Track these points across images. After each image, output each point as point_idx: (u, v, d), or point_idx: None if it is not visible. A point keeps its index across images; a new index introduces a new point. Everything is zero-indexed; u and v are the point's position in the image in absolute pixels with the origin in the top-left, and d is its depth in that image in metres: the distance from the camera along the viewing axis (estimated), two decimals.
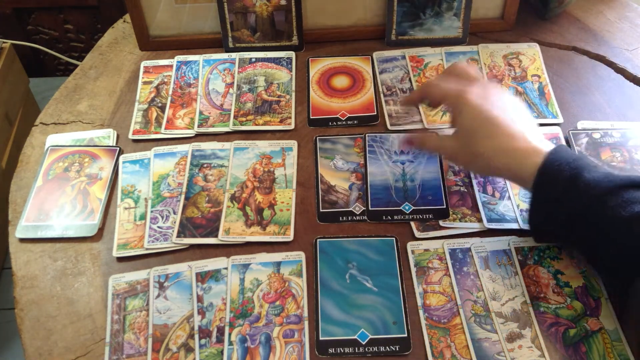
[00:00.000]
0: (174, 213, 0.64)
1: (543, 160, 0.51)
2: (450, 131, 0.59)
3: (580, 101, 0.74)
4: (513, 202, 0.63)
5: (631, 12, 0.88)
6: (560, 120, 0.71)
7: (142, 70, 0.80)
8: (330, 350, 0.53)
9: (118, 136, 0.73)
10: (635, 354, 0.51)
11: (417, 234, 0.61)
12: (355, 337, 0.54)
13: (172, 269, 0.59)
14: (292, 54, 0.81)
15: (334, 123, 0.73)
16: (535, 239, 0.59)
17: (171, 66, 0.80)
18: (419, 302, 0.56)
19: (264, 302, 0.57)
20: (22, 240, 0.63)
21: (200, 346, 0.54)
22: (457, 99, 0.57)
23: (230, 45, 0.82)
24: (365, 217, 0.63)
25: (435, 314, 0.55)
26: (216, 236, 0.62)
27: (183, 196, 0.65)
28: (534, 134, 0.54)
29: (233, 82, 0.78)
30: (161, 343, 0.54)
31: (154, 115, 0.75)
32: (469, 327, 0.54)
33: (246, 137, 0.72)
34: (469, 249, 0.59)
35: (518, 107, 0.58)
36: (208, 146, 0.70)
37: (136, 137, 0.72)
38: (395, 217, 0.63)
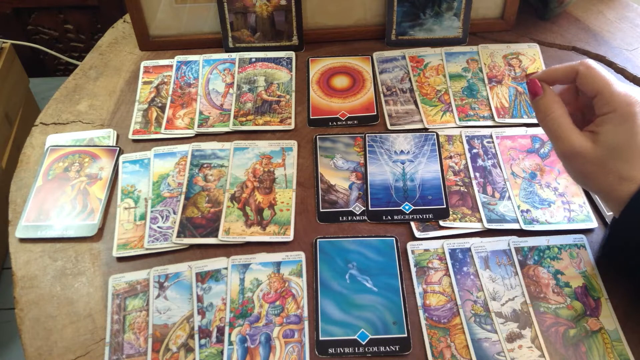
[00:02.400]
0: (174, 213, 0.64)
1: None
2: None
3: None
4: (513, 202, 0.63)
5: (631, 12, 0.88)
6: None
7: (142, 70, 0.80)
8: (330, 350, 0.53)
9: (118, 136, 0.73)
10: None
11: (417, 234, 0.61)
12: (355, 337, 0.54)
13: (172, 269, 0.59)
14: (292, 54, 0.81)
15: (334, 123, 0.73)
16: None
17: (171, 66, 0.80)
18: (419, 302, 0.56)
19: (264, 302, 0.57)
20: (22, 240, 0.63)
21: (200, 346, 0.54)
22: (627, 107, 0.48)
23: (230, 45, 0.82)
24: (365, 217, 0.63)
25: (435, 314, 0.55)
26: (216, 236, 0.62)
27: (183, 196, 0.65)
28: None
29: (233, 82, 0.78)
30: (161, 343, 0.54)
31: (154, 115, 0.75)
32: (469, 327, 0.54)
33: (246, 137, 0.72)
34: (469, 249, 0.59)
35: None
36: (208, 146, 0.70)
37: (136, 137, 0.72)
38: (395, 217, 0.63)
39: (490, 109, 0.73)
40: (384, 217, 0.63)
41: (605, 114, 0.49)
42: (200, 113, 0.74)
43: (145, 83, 0.78)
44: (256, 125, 0.73)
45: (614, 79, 0.50)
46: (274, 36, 0.82)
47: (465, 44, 0.82)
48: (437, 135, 0.70)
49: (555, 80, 0.54)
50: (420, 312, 0.56)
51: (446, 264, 0.59)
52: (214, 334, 0.55)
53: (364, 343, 0.54)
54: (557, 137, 0.51)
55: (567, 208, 0.62)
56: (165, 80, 0.78)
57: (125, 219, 0.64)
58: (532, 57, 0.79)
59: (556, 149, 0.52)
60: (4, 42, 1.38)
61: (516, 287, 0.57)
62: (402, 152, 0.69)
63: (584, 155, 0.50)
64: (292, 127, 0.72)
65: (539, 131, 0.70)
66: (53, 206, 0.65)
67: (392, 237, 0.61)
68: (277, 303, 0.56)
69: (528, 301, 0.56)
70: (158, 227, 0.63)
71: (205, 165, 0.68)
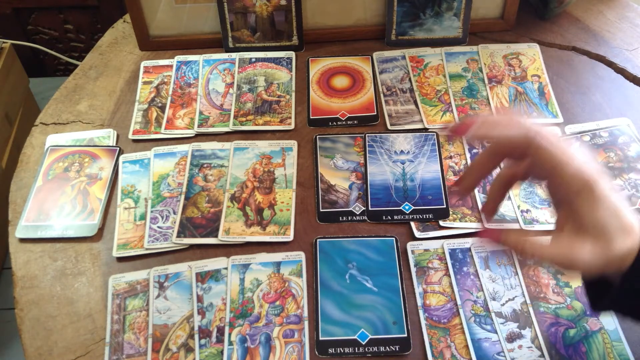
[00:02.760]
0: (174, 213, 0.64)
1: None
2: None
3: (580, 101, 0.74)
4: (513, 202, 0.63)
5: (631, 12, 0.88)
6: (560, 120, 0.71)
7: (142, 70, 0.80)
8: (330, 350, 0.53)
9: (118, 136, 0.73)
10: None
11: (417, 234, 0.61)
12: (355, 337, 0.54)
13: (172, 269, 0.59)
14: (292, 54, 0.81)
15: (334, 123, 0.73)
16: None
17: (171, 66, 0.80)
18: (419, 302, 0.56)
19: (264, 302, 0.56)
20: (22, 240, 0.63)
21: (200, 346, 0.54)
22: (584, 184, 0.41)
23: (230, 45, 0.82)
24: (365, 217, 0.63)
25: (435, 314, 0.55)
26: (216, 236, 0.62)
27: (183, 196, 0.65)
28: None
29: (233, 82, 0.77)
30: (161, 343, 0.54)
31: (154, 115, 0.75)
32: (469, 327, 0.54)
33: (246, 137, 0.71)
34: (469, 249, 0.59)
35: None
36: (208, 146, 0.70)
37: (136, 137, 0.72)
38: (395, 217, 0.63)
39: (490, 109, 0.73)
40: (384, 217, 0.63)
41: (563, 198, 0.43)
42: (200, 113, 0.74)
43: (145, 83, 0.78)
44: (256, 125, 0.73)
45: (565, 155, 0.42)
46: (274, 36, 0.82)
47: (465, 44, 0.82)
48: (437, 135, 0.70)
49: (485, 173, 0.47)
50: (420, 312, 0.56)
51: (446, 264, 0.59)
52: (214, 334, 0.55)
53: (364, 343, 0.54)
54: (553, 261, 0.43)
55: None
56: (165, 80, 0.78)
57: (125, 219, 0.64)
58: (532, 57, 0.79)
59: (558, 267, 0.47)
60: (4, 42, 1.38)
61: (516, 287, 0.57)
62: (402, 152, 0.69)
63: (584, 256, 0.42)
64: (292, 127, 0.72)
65: None
66: (53, 206, 0.65)
67: (392, 237, 0.61)
68: (277, 303, 0.56)
69: (528, 301, 0.56)
70: (158, 227, 0.63)
71: (205, 165, 0.68)
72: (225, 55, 0.81)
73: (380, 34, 0.83)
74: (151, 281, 0.58)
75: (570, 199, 0.42)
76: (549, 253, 0.43)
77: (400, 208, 0.64)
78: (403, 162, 0.68)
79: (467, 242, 0.60)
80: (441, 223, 0.62)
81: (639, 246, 0.42)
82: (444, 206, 0.63)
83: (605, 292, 0.44)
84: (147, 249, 0.61)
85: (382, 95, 0.75)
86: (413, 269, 0.58)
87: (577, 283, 0.57)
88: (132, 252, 0.61)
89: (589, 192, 0.42)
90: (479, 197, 0.64)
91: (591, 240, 0.42)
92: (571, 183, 0.42)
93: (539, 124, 0.44)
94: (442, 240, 0.60)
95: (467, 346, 0.53)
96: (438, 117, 0.72)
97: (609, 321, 0.54)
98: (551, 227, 0.60)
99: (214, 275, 0.58)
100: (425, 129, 0.71)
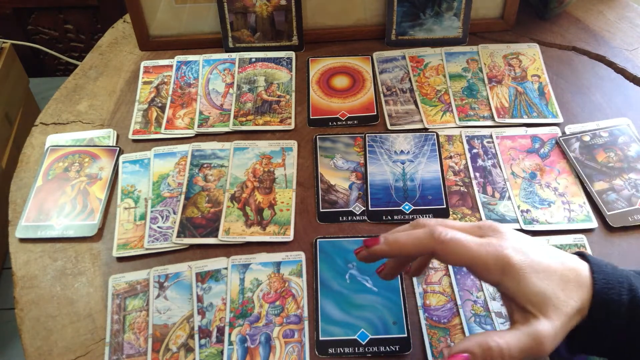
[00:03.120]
0: (174, 213, 0.64)
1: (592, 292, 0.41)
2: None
3: (580, 101, 0.74)
4: (513, 202, 0.63)
5: (631, 12, 0.88)
6: (560, 120, 0.71)
7: (142, 70, 0.80)
8: (330, 351, 0.53)
9: (118, 136, 0.73)
10: None
11: None
12: (355, 337, 0.54)
13: (172, 269, 0.59)
14: (292, 54, 0.81)
15: (334, 123, 0.73)
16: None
17: (171, 66, 0.80)
18: (419, 302, 0.56)
19: (264, 302, 0.57)
20: (22, 240, 0.63)
21: (200, 346, 0.54)
22: (500, 265, 0.41)
23: (230, 45, 0.82)
24: (365, 217, 0.63)
25: (435, 314, 0.55)
26: (216, 236, 0.62)
27: (183, 196, 0.65)
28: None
29: (233, 82, 0.78)
30: (161, 343, 0.54)
31: (154, 115, 0.75)
32: (469, 327, 0.54)
33: (246, 137, 0.72)
34: None
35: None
36: (208, 146, 0.70)
37: (136, 137, 0.72)
38: (395, 217, 0.63)
39: (490, 109, 0.73)
40: (384, 217, 0.63)
41: (498, 289, 0.43)
42: (200, 113, 0.74)
43: (145, 83, 0.78)
44: (256, 125, 0.73)
45: (471, 249, 0.41)
46: (274, 36, 0.82)
47: (465, 44, 0.82)
48: (437, 135, 0.70)
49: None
50: (420, 312, 0.56)
51: None
52: (214, 334, 0.55)
53: (364, 343, 0.54)
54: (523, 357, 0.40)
55: (567, 208, 0.62)
56: (165, 80, 0.78)
57: (125, 219, 0.64)
58: (532, 57, 0.79)
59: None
60: (4, 42, 1.38)
61: None
62: (402, 152, 0.69)
63: (547, 336, 0.40)
64: (292, 127, 0.72)
65: (539, 131, 0.70)
66: (53, 206, 0.65)
67: None
68: (277, 303, 0.56)
69: None
70: (158, 227, 0.63)
71: (205, 165, 0.68)
72: (225, 55, 0.81)
73: (380, 34, 0.83)
74: (151, 281, 0.58)
75: (500, 285, 0.42)
76: (517, 353, 0.39)
77: (400, 208, 0.64)
78: (403, 162, 0.68)
79: None
80: None
81: (590, 289, 0.41)
82: (444, 206, 0.63)
83: (576, 336, 0.43)
84: (147, 249, 0.61)
85: (382, 95, 0.75)
86: None
87: None
88: (132, 252, 0.61)
89: (509, 269, 0.40)
90: (479, 197, 0.64)
91: (542, 315, 0.40)
92: (490, 271, 0.41)
93: (438, 223, 0.44)
94: None
95: None
96: (438, 117, 0.72)
97: None
98: (551, 227, 0.61)
99: (214, 275, 0.58)
100: (425, 129, 0.71)
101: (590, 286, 0.41)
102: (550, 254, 0.42)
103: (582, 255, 0.44)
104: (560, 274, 0.41)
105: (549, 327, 0.39)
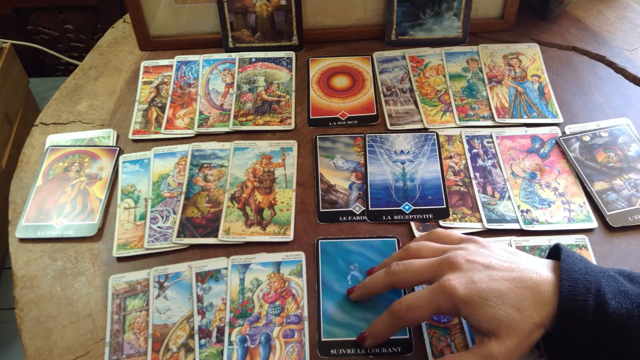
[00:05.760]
0: (174, 213, 0.64)
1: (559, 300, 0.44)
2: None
3: (580, 101, 0.74)
4: (513, 202, 0.63)
5: (631, 12, 0.88)
6: (560, 120, 0.71)
7: (142, 70, 0.80)
8: (332, 352, 0.53)
9: (118, 136, 0.73)
10: None
11: (417, 234, 0.61)
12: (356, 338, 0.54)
13: (172, 269, 0.59)
14: (292, 54, 0.81)
15: (334, 123, 0.73)
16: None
17: (171, 66, 0.80)
18: None
19: (264, 302, 0.56)
20: (22, 240, 0.63)
21: (200, 346, 0.54)
22: (450, 299, 0.45)
23: (230, 45, 0.82)
24: (365, 217, 0.63)
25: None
26: (216, 236, 0.62)
27: (183, 196, 0.65)
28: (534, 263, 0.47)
29: (233, 82, 0.78)
30: (161, 343, 0.54)
31: (154, 115, 0.75)
32: (469, 326, 0.54)
33: (246, 137, 0.72)
34: None
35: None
36: (208, 146, 0.70)
37: (136, 137, 0.72)
38: (395, 217, 0.63)
39: (490, 109, 0.73)
40: (384, 217, 0.63)
41: (454, 316, 0.48)
42: (200, 113, 0.74)
43: (145, 83, 0.78)
44: (256, 125, 0.73)
45: (419, 299, 0.47)
46: (274, 36, 0.82)
47: (465, 44, 0.82)
48: (437, 135, 0.70)
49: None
50: None
51: None
52: (214, 334, 0.55)
53: None
54: None
55: (567, 208, 0.62)
56: (165, 80, 0.78)
57: (125, 219, 0.64)
58: (532, 57, 0.79)
59: None
60: (4, 42, 1.38)
61: None
62: (402, 152, 0.69)
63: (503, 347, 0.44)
64: (292, 127, 0.72)
65: (539, 131, 0.70)
66: (53, 206, 0.65)
67: (394, 237, 0.61)
68: (277, 303, 0.56)
69: None
70: (158, 227, 0.63)
71: (205, 165, 0.68)
72: (225, 55, 0.81)
73: (380, 34, 0.83)
74: (151, 281, 0.58)
75: (460, 316, 0.46)
76: None
77: (400, 208, 0.64)
78: (403, 162, 0.68)
79: None
80: (441, 223, 0.62)
81: (555, 298, 0.43)
82: (444, 206, 0.63)
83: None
84: (147, 249, 0.61)
85: (382, 95, 0.75)
86: None
87: None
88: (132, 252, 0.61)
89: (461, 305, 0.45)
90: (479, 196, 0.64)
91: (494, 337, 0.44)
92: (446, 310, 0.46)
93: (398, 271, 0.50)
94: None
95: (467, 345, 0.53)
96: (438, 117, 0.72)
97: None
98: (551, 227, 0.61)
99: (214, 275, 0.58)
100: (425, 129, 0.71)
101: (554, 296, 0.44)
102: (507, 275, 0.45)
103: (558, 253, 0.47)
104: (514, 296, 0.44)
105: (500, 348, 0.43)
